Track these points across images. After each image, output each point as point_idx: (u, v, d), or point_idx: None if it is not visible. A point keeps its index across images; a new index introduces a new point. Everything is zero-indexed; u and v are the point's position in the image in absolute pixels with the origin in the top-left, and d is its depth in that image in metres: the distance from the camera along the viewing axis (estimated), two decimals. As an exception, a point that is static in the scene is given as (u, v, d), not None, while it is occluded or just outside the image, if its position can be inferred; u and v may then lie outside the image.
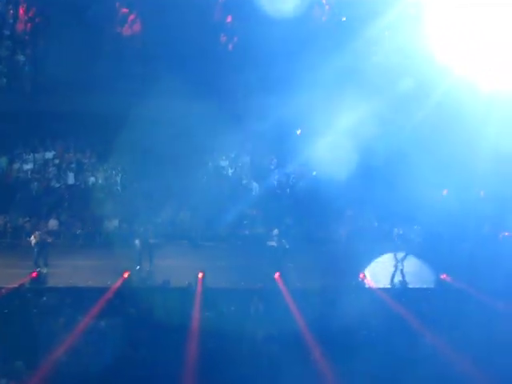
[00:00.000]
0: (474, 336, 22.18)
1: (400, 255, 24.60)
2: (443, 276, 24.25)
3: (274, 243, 24.44)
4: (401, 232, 24.97)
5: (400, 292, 24.03)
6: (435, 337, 22.65)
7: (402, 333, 23.08)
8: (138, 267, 23.93)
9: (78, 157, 27.56)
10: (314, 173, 26.87)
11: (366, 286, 24.04)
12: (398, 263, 24.56)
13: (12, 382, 21.16)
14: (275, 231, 24.51)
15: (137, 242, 24.14)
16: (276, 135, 27.22)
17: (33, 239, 23.83)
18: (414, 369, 21.99)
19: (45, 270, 23.62)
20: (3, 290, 22.73)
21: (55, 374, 21.25)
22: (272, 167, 27.88)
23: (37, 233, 24.08)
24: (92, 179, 27.29)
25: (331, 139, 25.88)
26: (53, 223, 26.02)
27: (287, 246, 24.38)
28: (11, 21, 27.56)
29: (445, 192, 27.17)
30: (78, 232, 26.28)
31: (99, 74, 26.75)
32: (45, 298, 23.02)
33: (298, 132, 27.70)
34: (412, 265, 24.77)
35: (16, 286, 22.86)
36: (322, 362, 22.00)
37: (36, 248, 23.79)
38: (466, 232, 25.86)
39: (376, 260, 24.94)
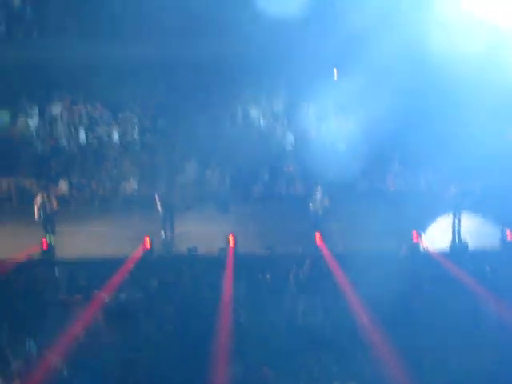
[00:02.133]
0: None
1: (458, 213, 22.62)
2: (508, 235, 22.07)
3: (314, 202, 22.56)
4: (458, 187, 22.68)
5: (459, 254, 22.01)
6: (501, 305, 20.40)
7: (462, 301, 20.72)
8: (163, 233, 22.35)
9: (90, 110, 25.98)
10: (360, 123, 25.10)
11: (421, 248, 22.05)
12: (455, 222, 22.58)
13: (24, 365, 19.31)
14: (318, 188, 22.56)
15: (158, 205, 22.33)
16: (313, 79, 25.31)
17: (38, 203, 22.01)
18: (477, 340, 19.78)
19: (53, 239, 21.99)
20: (9, 263, 21.00)
21: (71, 355, 19.29)
22: (310, 117, 26.03)
23: (43, 196, 22.21)
24: (106, 136, 25.77)
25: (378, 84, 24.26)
26: (63, 186, 24.64)
27: (328, 204, 22.47)
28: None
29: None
30: (92, 195, 24.96)
31: (110, 19, 25.25)
32: (56, 271, 21.45)
33: (335, 73, 25.90)
34: (472, 223, 22.90)
35: (23, 257, 21.24)
36: (375, 336, 19.74)
37: (42, 214, 22.00)
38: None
39: (431, 218, 23.12)
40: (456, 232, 22.59)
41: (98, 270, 21.02)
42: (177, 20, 24.81)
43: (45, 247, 21.61)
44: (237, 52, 24.70)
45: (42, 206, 21.96)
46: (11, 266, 21.01)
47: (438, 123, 24.25)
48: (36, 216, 21.97)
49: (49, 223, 22.03)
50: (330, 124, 25.70)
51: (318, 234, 21.91)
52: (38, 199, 22.15)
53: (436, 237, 22.55)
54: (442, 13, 24.56)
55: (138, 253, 21.52)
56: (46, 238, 21.81)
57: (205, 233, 22.42)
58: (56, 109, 25.77)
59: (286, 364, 19.43)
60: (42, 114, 25.60)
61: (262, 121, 26.13)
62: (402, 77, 23.98)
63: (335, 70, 25.84)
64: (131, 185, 24.89)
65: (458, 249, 22.39)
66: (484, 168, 23.96)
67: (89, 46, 24.68)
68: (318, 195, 22.52)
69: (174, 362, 19.49)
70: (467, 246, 22.28)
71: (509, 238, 22.08)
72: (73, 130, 25.55)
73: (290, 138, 25.86)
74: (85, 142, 25.54)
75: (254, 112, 26.29)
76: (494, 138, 25.11)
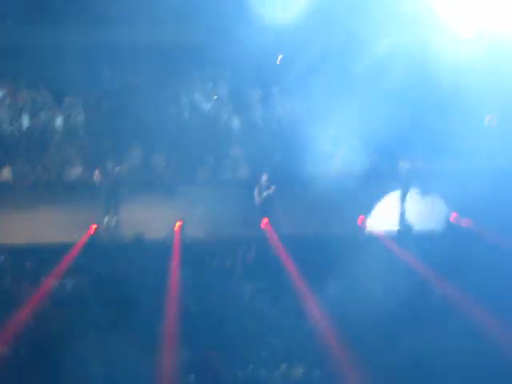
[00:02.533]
0: (486, 284, 19.95)
1: (404, 194, 22.97)
2: (454, 216, 22.44)
3: (259, 187, 22.51)
4: (406, 167, 23.01)
5: (404, 236, 22.20)
6: (445, 285, 20.80)
7: (406, 282, 20.74)
8: (107, 219, 22.18)
9: (33, 95, 25.50)
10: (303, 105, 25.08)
11: (366, 230, 22.29)
12: (401, 203, 22.90)
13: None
14: (264, 176, 22.48)
15: (103, 190, 22.28)
16: (258, 62, 25.04)
17: None
18: (424, 322, 19.95)
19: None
20: None
21: (18, 341, 19.40)
22: (256, 99, 25.94)
23: None
24: (50, 120, 25.34)
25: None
26: (6, 172, 24.30)
27: (273, 190, 22.44)
28: None
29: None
30: (36, 181, 24.46)
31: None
32: (2, 257, 21.25)
33: (279, 59, 25.54)
34: (418, 205, 23.14)
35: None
36: (322, 319, 19.93)
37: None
38: (481, 167, 23.41)
39: (377, 201, 23.22)
40: (402, 214, 22.75)
41: (43, 256, 20.99)
42: (123, 4, 24.22)
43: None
44: (183, 36, 24.57)
45: None
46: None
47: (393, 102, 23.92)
48: None
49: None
50: (276, 109, 25.62)
51: (263, 219, 21.97)
52: None
53: (382, 219, 22.62)
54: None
55: (84, 239, 21.38)
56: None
57: (151, 218, 22.22)
58: (-3, 94, 25.37)
59: (233, 349, 19.53)
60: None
61: (207, 105, 25.99)
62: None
63: (280, 56, 25.56)
64: (76, 170, 24.65)
65: (403, 231, 22.46)
66: (436, 149, 24.00)
67: (32, 29, 24.30)
68: (264, 180, 22.47)
69: (121, 348, 19.15)
70: (412, 227, 22.42)
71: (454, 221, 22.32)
72: (16, 115, 25.21)
73: (236, 122, 25.82)
74: (28, 127, 25.19)
75: (199, 96, 26.08)
76: (450, 120, 24.76)
